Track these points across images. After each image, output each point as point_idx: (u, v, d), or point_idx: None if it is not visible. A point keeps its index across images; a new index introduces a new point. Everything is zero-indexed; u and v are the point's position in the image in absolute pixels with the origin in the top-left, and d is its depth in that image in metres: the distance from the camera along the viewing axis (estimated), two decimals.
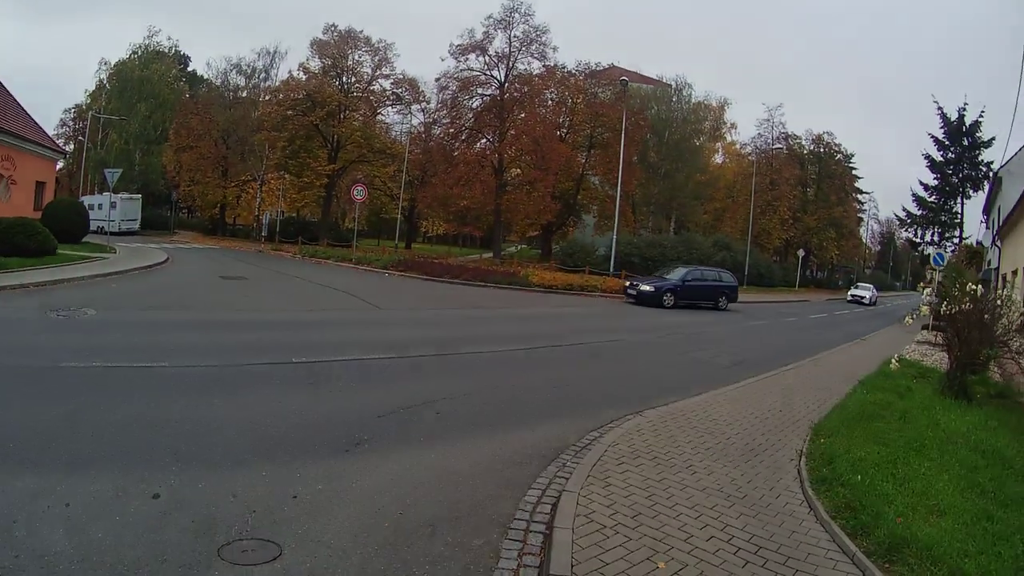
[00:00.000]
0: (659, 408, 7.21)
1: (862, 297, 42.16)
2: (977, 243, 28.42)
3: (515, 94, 37.82)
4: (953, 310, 8.51)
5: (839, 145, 54.55)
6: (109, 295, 13.19)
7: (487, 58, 38.17)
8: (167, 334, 9.05)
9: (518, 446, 5.64)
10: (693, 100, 52.44)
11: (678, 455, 5.55)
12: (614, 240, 33.84)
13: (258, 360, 7.84)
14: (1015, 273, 12.62)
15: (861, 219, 67.43)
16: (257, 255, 31.94)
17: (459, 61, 38.37)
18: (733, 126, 58.13)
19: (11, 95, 31.25)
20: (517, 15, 37.57)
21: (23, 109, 31.62)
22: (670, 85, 51.86)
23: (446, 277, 24.36)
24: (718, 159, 59.93)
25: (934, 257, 20.75)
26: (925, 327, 21.97)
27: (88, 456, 4.47)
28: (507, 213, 37.85)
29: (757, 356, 12.83)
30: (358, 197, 30.98)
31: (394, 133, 48.49)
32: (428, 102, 43.36)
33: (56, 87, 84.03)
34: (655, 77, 52.59)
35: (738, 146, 58.86)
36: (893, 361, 10.15)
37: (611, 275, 30.50)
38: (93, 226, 29.25)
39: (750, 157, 54.63)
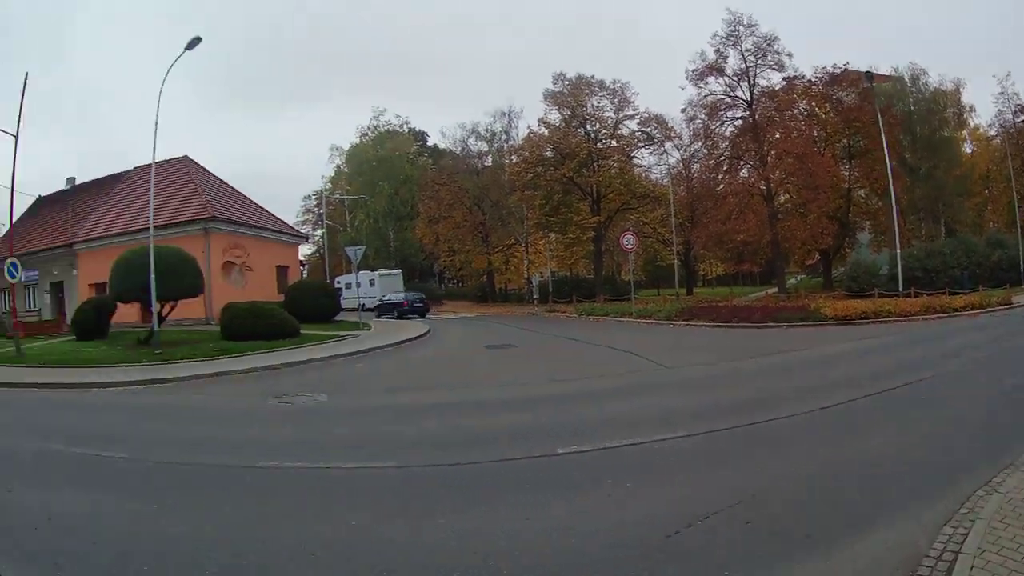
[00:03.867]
0: None
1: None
2: None
3: (766, 113, 37.47)
4: None
5: None
6: (348, 377, 13.19)
7: (726, 78, 38.20)
8: (399, 423, 8.38)
9: None
10: (932, 87, 49.51)
11: None
12: (897, 255, 32.03)
13: (501, 454, 6.44)
14: None
15: None
16: (530, 318, 32.70)
17: (699, 87, 38.65)
18: (972, 109, 53.85)
19: (240, 192, 36.46)
20: (741, 27, 37.54)
21: (253, 203, 36.44)
22: (903, 76, 49.49)
23: (734, 321, 23.00)
24: (967, 148, 55.69)
25: None
26: None
27: None
28: (784, 242, 37.01)
29: None
30: (628, 246, 31.30)
31: (654, 175, 47.74)
32: (680, 137, 43.25)
33: (292, 178, 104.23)
34: (890, 72, 50.40)
35: (982, 130, 54.43)
36: None
37: (900, 295, 28.38)
38: (354, 303, 31.39)
39: (996, 140, 50.42)
